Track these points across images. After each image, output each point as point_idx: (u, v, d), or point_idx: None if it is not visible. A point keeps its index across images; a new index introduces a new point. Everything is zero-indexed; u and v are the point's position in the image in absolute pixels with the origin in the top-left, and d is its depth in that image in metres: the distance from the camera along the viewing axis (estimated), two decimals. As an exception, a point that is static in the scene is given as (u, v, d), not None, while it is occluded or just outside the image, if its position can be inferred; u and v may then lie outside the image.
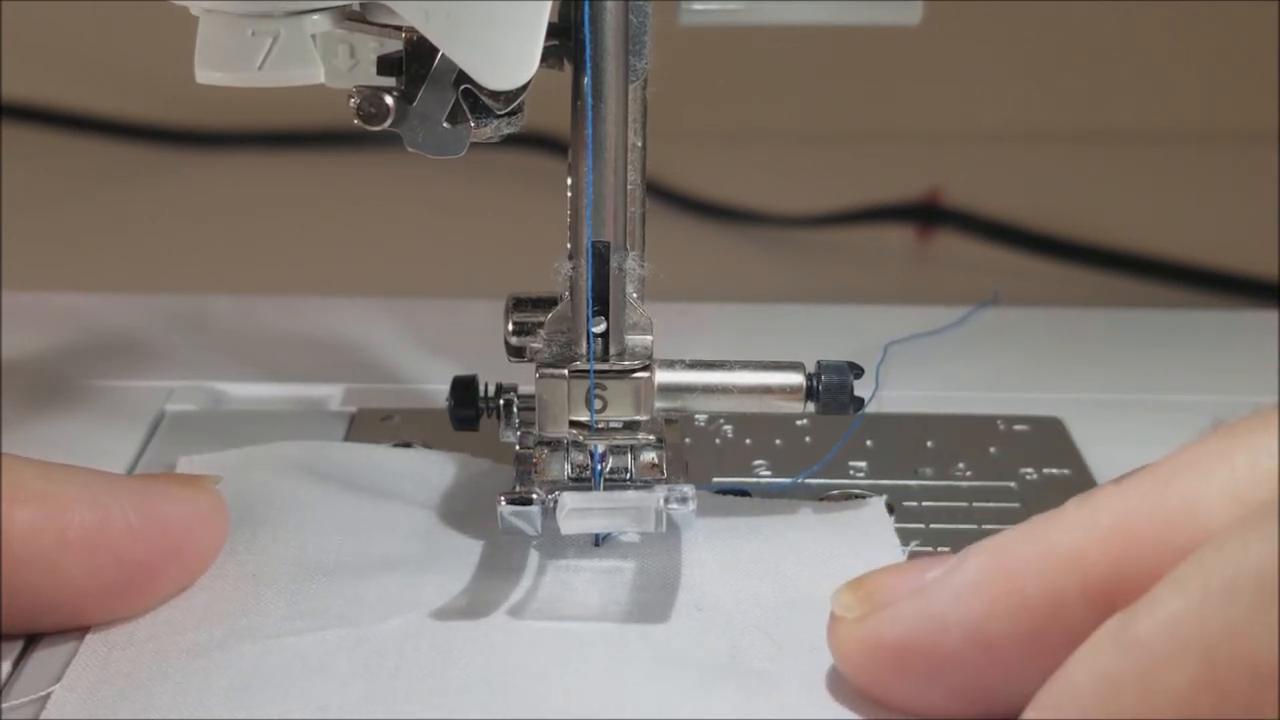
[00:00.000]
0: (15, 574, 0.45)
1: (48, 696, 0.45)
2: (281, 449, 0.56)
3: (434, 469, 0.56)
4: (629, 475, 0.51)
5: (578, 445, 0.51)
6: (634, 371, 0.50)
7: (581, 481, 0.51)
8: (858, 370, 0.51)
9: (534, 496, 0.48)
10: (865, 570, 0.45)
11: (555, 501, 0.48)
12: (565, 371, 0.50)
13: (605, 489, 0.50)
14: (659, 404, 0.51)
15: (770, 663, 0.46)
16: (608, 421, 0.50)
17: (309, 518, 0.52)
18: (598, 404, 0.50)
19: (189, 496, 0.49)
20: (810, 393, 0.51)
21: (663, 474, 0.50)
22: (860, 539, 0.52)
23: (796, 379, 0.51)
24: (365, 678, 0.45)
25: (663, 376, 0.51)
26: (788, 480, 0.56)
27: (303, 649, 0.46)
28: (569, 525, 0.48)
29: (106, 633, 0.47)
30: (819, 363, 0.51)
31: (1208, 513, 0.39)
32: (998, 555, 0.41)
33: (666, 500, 0.48)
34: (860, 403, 0.51)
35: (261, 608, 0.48)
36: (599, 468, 0.51)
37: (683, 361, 0.51)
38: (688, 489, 0.48)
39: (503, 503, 0.48)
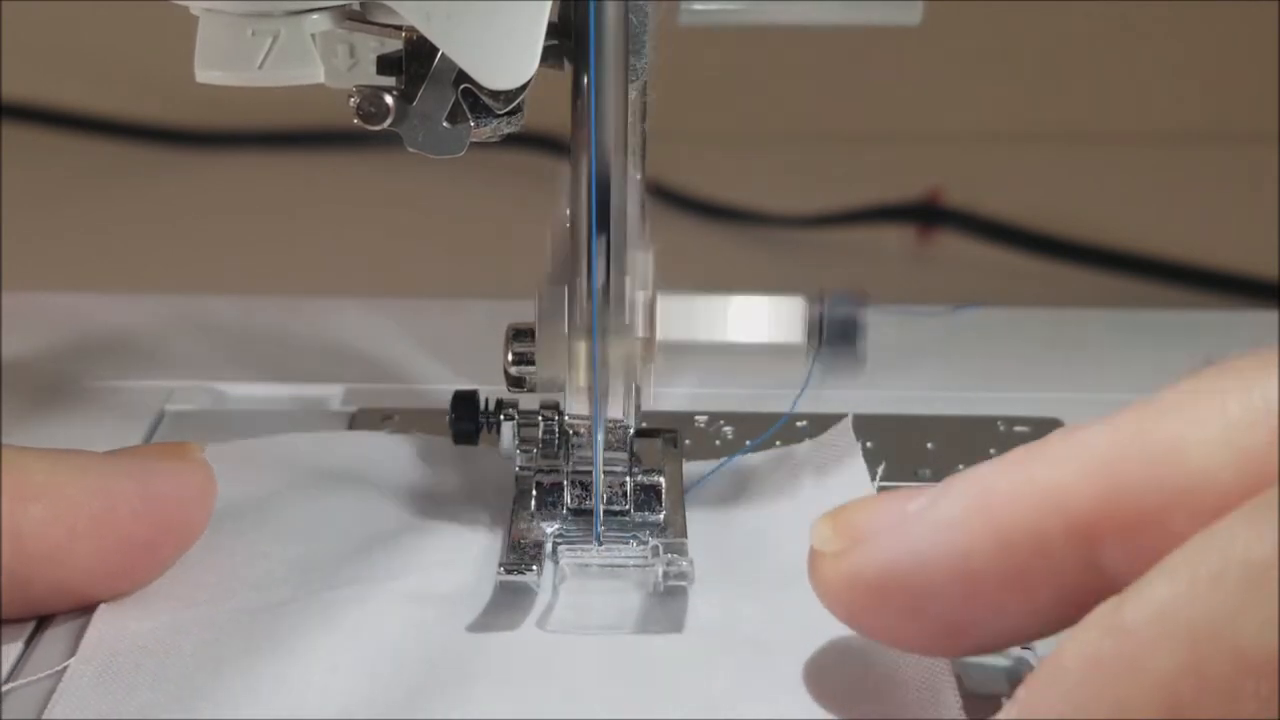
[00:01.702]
0: (25, 568, 0.46)
1: (63, 670, 0.45)
2: (286, 438, 0.56)
3: (439, 457, 0.56)
4: (627, 509, 0.52)
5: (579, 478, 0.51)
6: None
7: (581, 514, 0.51)
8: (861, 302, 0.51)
9: (532, 570, 0.49)
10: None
11: (554, 546, 0.50)
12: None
13: (603, 542, 0.50)
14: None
15: (765, 630, 0.46)
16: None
17: (314, 505, 0.53)
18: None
19: (181, 470, 0.49)
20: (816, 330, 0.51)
21: (661, 509, 0.51)
22: (840, 488, 0.52)
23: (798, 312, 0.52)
24: (365, 680, 0.45)
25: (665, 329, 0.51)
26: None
27: (303, 650, 0.46)
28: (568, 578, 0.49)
29: (118, 605, 0.47)
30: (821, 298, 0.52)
31: (1197, 453, 0.38)
32: (980, 489, 0.41)
33: (665, 575, 0.49)
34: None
35: (270, 584, 0.49)
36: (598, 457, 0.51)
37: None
38: (686, 564, 0.49)
39: (502, 572, 0.49)
